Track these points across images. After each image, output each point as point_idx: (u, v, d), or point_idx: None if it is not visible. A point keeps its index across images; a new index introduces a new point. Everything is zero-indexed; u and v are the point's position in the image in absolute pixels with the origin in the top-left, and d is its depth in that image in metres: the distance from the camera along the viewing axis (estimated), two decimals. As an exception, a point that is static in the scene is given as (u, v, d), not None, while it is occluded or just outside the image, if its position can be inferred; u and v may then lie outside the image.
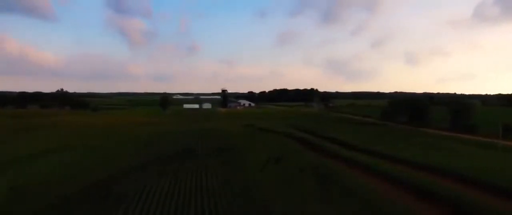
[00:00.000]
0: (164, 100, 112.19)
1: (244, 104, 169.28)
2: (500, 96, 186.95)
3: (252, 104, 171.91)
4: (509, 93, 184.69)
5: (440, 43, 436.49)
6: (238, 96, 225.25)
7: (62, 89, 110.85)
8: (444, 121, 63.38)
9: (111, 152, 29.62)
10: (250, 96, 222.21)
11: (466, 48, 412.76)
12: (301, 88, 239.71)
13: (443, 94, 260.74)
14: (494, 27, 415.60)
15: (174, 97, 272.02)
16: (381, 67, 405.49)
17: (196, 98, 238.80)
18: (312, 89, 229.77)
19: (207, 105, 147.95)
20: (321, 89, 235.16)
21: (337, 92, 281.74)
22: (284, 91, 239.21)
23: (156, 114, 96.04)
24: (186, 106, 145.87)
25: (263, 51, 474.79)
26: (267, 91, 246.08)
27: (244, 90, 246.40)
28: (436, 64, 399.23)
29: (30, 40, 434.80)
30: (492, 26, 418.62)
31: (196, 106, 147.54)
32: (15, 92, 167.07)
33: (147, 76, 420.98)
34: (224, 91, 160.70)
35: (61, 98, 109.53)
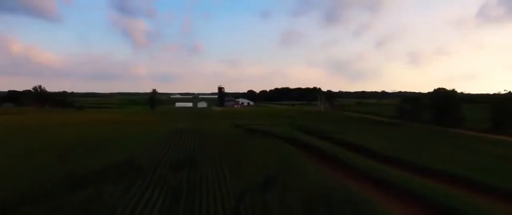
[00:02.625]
0: (152, 99, 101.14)
1: (242, 103, 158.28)
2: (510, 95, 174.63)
3: (251, 103, 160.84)
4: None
5: (443, 43, 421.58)
6: (238, 95, 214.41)
7: (40, 86, 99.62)
8: (478, 121, 52.11)
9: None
10: (250, 95, 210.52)
11: (470, 48, 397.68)
12: (304, 87, 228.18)
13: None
14: (499, 27, 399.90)
15: (172, 96, 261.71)
16: (384, 67, 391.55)
17: (195, 97, 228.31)
18: (315, 88, 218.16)
19: (202, 104, 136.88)
20: (324, 89, 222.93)
21: (340, 92, 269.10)
22: (285, 90, 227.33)
23: (143, 113, 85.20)
24: (178, 104, 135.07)
25: (266, 51, 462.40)
26: (268, 90, 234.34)
27: (246, 90, 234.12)
28: (440, 63, 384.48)
29: (34, 40, 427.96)
30: (496, 26, 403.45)
31: (190, 104, 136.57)
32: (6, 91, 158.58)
33: (150, 76, 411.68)
34: (221, 89, 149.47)
35: (39, 96, 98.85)
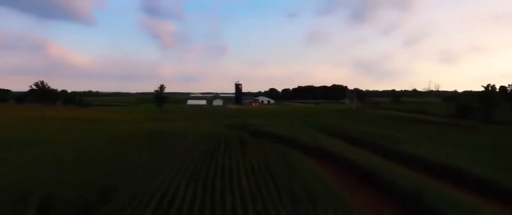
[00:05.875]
0: (158, 96, 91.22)
1: (262, 101, 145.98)
2: None
3: (272, 101, 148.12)
4: None
5: (479, 40, 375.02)
6: (259, 93, 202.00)
7: (42, 82, 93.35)
8: None
9: None
10: (272, 93, 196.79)
11: (509, 45, 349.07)
12: (329, 85, 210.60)
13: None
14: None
15: (192, 95, 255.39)
16: (413, 65, 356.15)
17: (215, 95, 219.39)
18: (341, 86, 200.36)
19: (217, 102, 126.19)
20: (350, 87, 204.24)
21: (367, 90, 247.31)
22: (309, 88, 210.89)
23: (137, 111, 75.89)
24: (190, 102, 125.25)
25: (291, 51, 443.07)
26: (291, 88, 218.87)
27: (268, 88, 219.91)
28: (475, 62, 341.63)
29: (70, 43, 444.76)
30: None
31: (203, 102, 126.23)
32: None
33: (176, 76, 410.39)
34: (238, 86, 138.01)
35: (41, 93, 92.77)
